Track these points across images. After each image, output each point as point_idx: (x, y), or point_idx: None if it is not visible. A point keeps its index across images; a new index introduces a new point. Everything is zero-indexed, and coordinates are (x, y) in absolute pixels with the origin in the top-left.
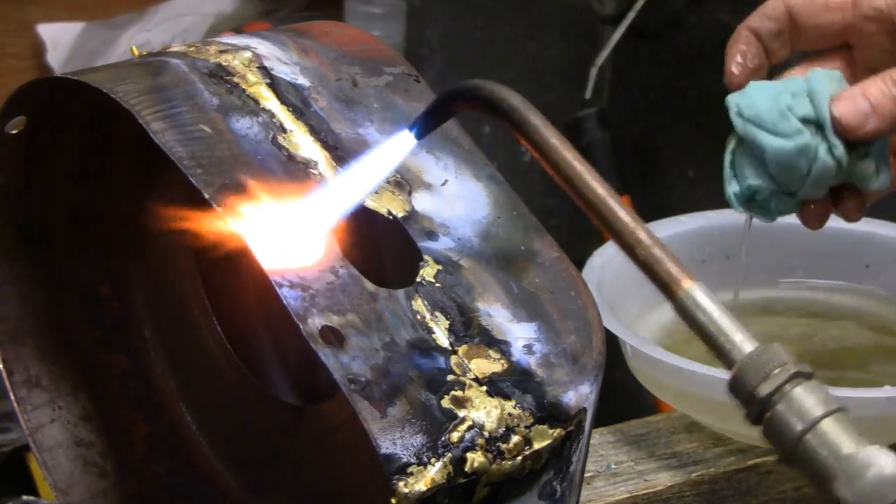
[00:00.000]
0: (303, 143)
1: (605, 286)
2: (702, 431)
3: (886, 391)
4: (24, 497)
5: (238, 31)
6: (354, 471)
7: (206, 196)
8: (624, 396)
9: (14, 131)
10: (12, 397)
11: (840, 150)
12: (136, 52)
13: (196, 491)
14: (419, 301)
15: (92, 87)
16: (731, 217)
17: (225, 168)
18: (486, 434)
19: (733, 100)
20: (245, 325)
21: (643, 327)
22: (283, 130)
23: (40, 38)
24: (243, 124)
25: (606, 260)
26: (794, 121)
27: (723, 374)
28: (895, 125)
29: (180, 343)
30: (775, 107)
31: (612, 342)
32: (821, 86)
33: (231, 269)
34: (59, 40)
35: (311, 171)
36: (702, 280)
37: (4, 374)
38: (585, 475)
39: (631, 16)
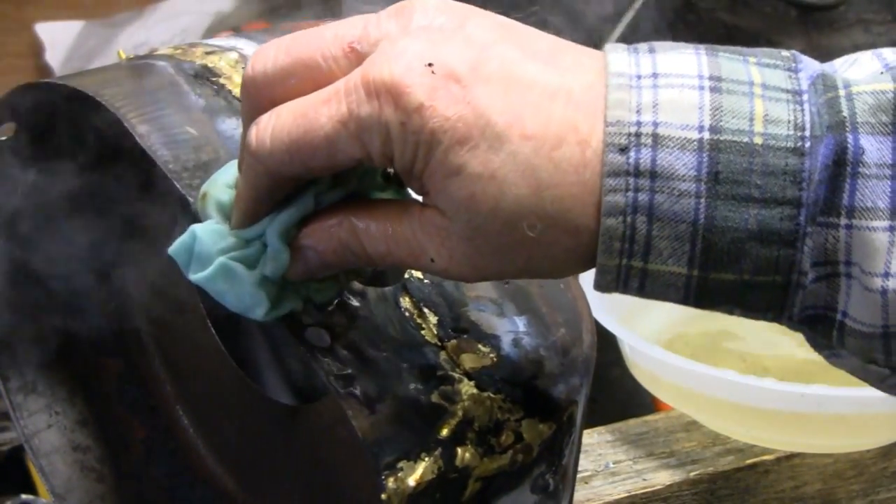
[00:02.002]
0: None
1: None
2: (700, 430)
3: None
4: (23, 496)
5: (237, 30)
6: (350, 468)
7: (191, 200)
8: (622, 395)
9: (3, 137)
10: (8, 404)
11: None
12: (123, 56)
13: (194, 493)
14: (407, 297)
15: (80, 91)
16: None
17: (210, 171)
18: (476, 428)
19: None
20: (239, 326)
21: (641, 326)
22: None
23: (38, 37)
24: (229, 125)
25: None
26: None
27: (722, 373)
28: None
29: (176, 346)
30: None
31: (610, 341)
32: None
33: None
34: (58, 40)
35: None
36: None
37: (0, 381)
38: (584, 474)
39: (630, 14)
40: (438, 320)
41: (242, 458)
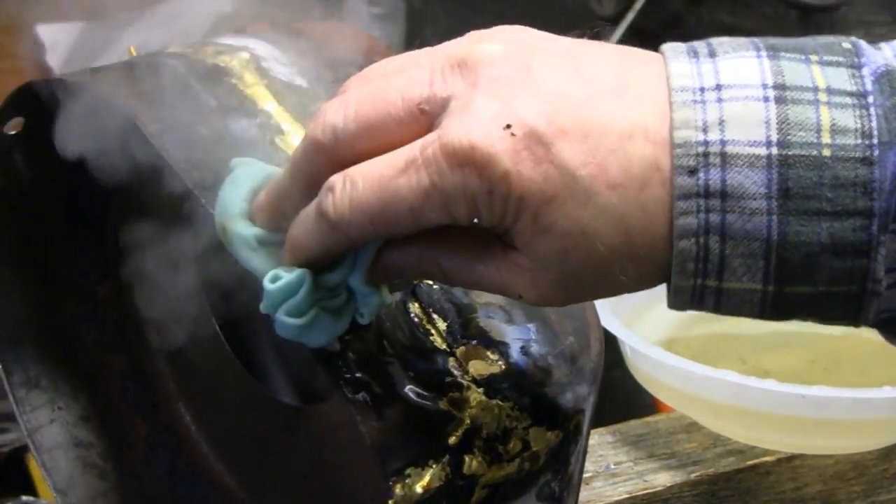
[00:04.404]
0: None
1: None
2: (701, 431)
3: (886, 392)
4: (24, 497)
5: (238, 31)
6: (353, 471)
7: (203, 201)
8: (623, 396)
9: (13, 132)
10: (11, 398)
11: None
12: (134, 53)
13: (195, 491)
14: (416, 303)
15: (90, 88)
16: None
17: (221, 172)
18: (483, 436)
19: None
20: (244, 325)
21: (642, 327)
22: (281, 132)
23: (39, 38)
24: (241, 125)
25: None
26: None
27: (722, 375)
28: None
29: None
30: None
31: (611, 342)
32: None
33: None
34: (59, 40)
35: None
36: None
37: (3, 375)
38: (585, 475)
39: (630, 16)
40: (447, 326)
41: (244, 457)
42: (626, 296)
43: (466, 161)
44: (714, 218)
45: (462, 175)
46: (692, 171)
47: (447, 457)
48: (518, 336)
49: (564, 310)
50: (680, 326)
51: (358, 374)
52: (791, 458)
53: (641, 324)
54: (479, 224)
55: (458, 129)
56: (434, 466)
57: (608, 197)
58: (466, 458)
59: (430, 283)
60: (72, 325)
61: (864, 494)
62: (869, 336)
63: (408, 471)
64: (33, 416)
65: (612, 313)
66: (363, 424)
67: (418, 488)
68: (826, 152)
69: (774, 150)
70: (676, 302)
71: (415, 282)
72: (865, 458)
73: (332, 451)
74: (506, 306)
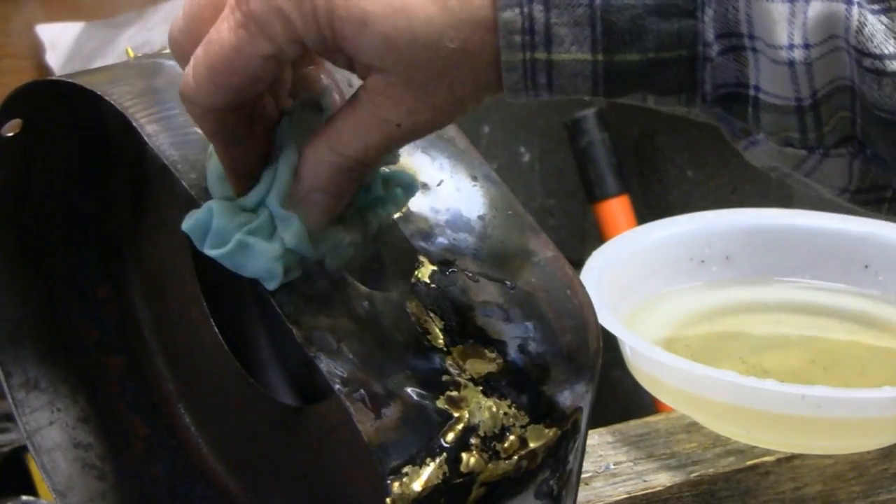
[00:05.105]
0: None
1: (604, 286)
2: (701, 432)
3: (886, 392)
4: (24, 497)
5: None
6: (353, 471)
7: (199, 201)
8: (623, 397)
9: (10, 133)
10: (10, 400)
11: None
12: (132, 54)
13: (195, 492)
14: (414, 302)
15: (87, 89)
16: (730, 217)
17: None
18: (481, 434)
19: None
20: (243, 326)
21: (642, 327)
22: None
23: (39, 38)
24: None
25: (605, 260)
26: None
27: (722, 375)
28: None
29: (179, 344)
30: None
31: (610, 342)
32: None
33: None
34: (59, 40)
35: None
36: (701, 281)
37: (2, 377)
38: (584, 475)
39: None
40: (444, 325)
41: (244, 457)
42: (626, 296)
43: None
44: None
45: None
46: None
47: (445, 455)
48: (515, 334)
49: (562, 308)
50: (680, 326)
51: (355, 373)
52: (791, 458)
53: (641, 324)
54: (309, 45)
55: None
56: (432, 465)
57: None
58: (464, 456)
59: (428, 282)
60: (71, 325)
61: (864, 494)
62: (869, 336)
63: (405, 469)
64: (32, 417)
65: (612, 313)
66: (360, 424)
67: (416, 486)
68: None
69: None
70: (510, 82)
71: (412, 280)
72: (865, 458)
73: (332, 451)
74: (503, 305)
